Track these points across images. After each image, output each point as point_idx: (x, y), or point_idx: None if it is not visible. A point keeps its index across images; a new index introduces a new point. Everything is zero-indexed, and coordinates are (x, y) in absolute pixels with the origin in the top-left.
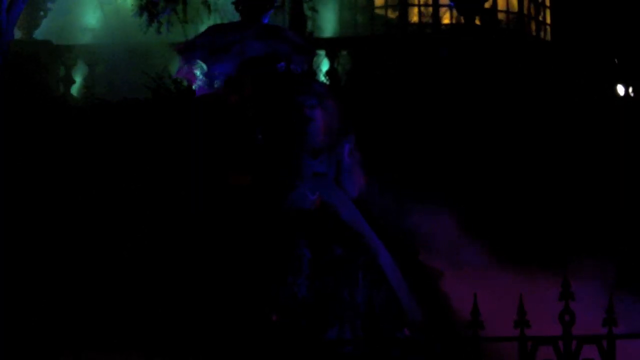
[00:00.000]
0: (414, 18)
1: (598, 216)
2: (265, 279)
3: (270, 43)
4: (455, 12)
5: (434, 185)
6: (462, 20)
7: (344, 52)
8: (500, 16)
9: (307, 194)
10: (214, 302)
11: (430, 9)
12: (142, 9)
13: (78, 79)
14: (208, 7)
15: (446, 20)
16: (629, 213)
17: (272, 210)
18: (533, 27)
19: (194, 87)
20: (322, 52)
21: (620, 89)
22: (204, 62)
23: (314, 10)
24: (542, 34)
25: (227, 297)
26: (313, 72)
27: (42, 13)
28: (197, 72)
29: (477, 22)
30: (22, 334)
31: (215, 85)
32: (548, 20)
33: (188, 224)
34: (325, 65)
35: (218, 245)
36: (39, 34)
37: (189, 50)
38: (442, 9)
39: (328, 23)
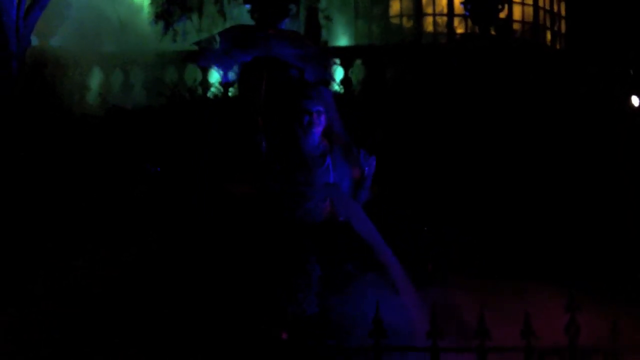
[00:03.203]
0: (429, 27)
1: (610, 231)
2: (275, 295)
3: (293, 43)
4: (470, 22)
5: (445, 198)
6: (477, 30)
7: (358, 61)
8: (516, 26)
9: (318, 203)
10: (220, 314)
11: (445, 18)
12: (157, 17)
13: (94, 86)
14: (223, 15)
15: (461, 30)
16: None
17: (283, 222)
18: (548, 37)
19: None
20: (336, 61)
21: (635, 100)
22: (226, 49)
23: (329, 19)
24: (557, 44)
25: (234, 310)
26: (327, 82)
27: (58, 20)
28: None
29: (492, 32)
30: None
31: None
32: (563, 30)
33: (195, 231)
34: (339, 74)
35: (225, 253)
36: (55, 40)
37: (209, 40)
38: (457, 19)
39: (343, 32)
